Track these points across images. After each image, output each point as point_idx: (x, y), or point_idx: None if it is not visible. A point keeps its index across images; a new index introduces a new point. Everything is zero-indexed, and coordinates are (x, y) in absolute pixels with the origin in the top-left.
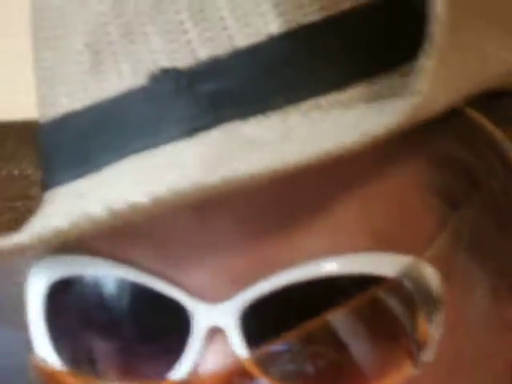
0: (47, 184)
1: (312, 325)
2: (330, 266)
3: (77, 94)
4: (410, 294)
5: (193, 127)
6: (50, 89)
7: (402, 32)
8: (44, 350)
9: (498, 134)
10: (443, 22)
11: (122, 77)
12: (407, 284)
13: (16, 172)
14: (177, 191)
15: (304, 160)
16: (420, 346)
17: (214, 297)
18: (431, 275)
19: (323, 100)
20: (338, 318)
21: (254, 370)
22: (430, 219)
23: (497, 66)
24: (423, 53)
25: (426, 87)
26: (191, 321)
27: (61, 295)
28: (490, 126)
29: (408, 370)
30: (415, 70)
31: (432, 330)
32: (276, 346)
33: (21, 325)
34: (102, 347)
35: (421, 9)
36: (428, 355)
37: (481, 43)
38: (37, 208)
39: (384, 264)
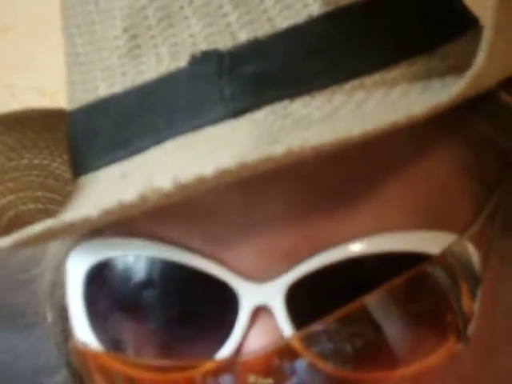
0: (81, 170)
1: (359, 303)
2: (377, 244)
3: (115, 78)
4: (454, 271)
5: (237, 108)
6: (82, 75)
7: (440, 14)
8: (85, 334)
9: None
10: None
11: (161, 60)
12: (451, 261)
13: (36, 161)
14: (244, 163)
15: (363, 133)
16: (465, 321)
17: (259, 276)
18: (473, 253)
19: (367, 80)
20: (387, 296)
21: (300, 348)
22: (468, 201)
23: None
24: (484, 28)
25: (485, 59)
26: (237, 300)
27: (101, 278)
28: None
29: (453, 344)
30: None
31: (475, 305)
32: (323, 325)
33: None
34: (144, 328)
35: None
36: (472, 331)
37: None
38: (67, 196)
39: (429, 242)
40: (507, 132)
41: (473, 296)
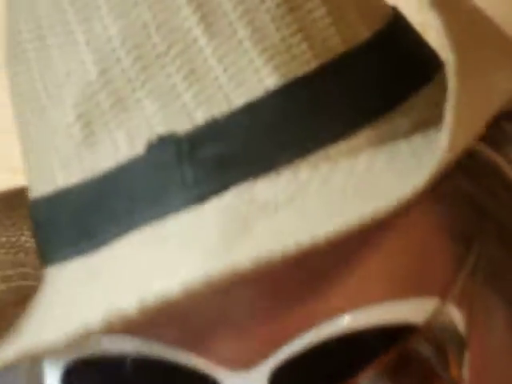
0: (48, 260)
1: None
2: (360, 319)
3: (71, 168)
4: (440, 338)
5: (201, 193)
6: (39, 161)
7: (397, 72)
8: None
9: (504, 165)
10: (459, 74)
11: (118, 146)
12: (436, 329)
13: (3, 239)
14: (209, 280)
15: (312, 241)
16: None
17: (242, 364)
18: (457, 316)
19: (331, 150)
20: (374, 375)
21: None
22: (448, 260)
23: (500, 96)
24: (445, 110)
25: (448, 144)
26: None
27: (78, 378)
28: (495, 157)
29: None
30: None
31: (464, 370)
32: None
33: None
34: None
35: (412, 47)
36: None
37: (487, 78)
38: (36, 280)
39: (412, 310)
40: (481, 182)
41: (461, 362)
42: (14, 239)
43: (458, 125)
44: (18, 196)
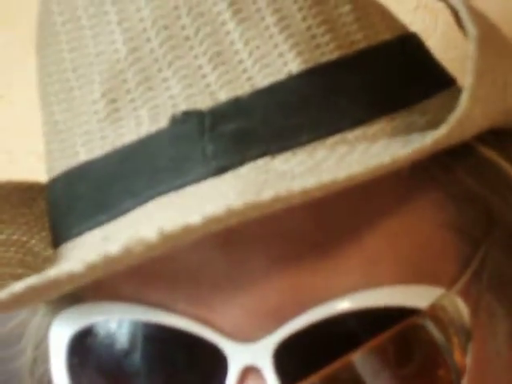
0: (63, 237)
1: (346, 361)
2: (365, 300)
3: (94, 143)
4: (444, 324)
5: (219, 166)
6: (61, 142)
7: (418, 71)
8: None
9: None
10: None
11: (140, 122)
12: (441, 314)
13: (15, 237)
14: (232, 209)
15: (348, 177)
16: (458, 375)
17: (247, 336)
18: (462, 307)
19: (349, 135)
20: (375, 352)
21: None
22: (453, 256)
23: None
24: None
25: (468, 101)
26: (226, 361)
27: (85, 345)
28: (503, 163)
29: None
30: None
31: (467, 360)
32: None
33: None
34: None
35: (428, 58)
36: None
37: (504, 74)
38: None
39: (417, 296)
40: (490, 185)
41: (464, 350)
42: (24, 239)
43: (475, 100)
44: (33, 191)
